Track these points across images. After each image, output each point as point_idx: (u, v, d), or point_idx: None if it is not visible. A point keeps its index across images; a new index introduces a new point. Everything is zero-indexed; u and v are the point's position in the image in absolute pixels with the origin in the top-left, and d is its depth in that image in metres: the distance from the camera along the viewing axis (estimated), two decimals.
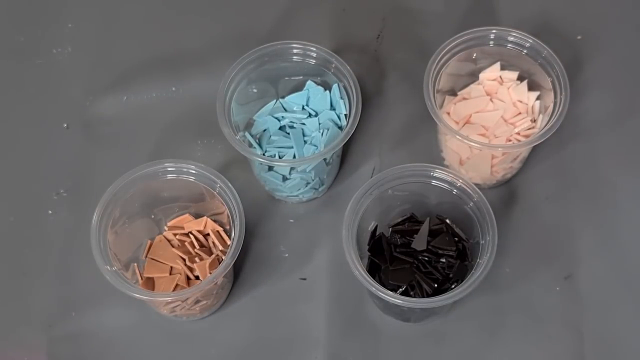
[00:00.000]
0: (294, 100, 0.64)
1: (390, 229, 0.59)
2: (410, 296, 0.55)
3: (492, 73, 0.64)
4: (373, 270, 0.57)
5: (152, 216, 0.61)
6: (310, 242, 0.62)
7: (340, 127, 0.62)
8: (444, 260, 0.56)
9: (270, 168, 0.61)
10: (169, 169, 0.58)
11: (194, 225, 0.61)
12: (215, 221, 0.61)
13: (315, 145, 0.62)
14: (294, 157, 0.62)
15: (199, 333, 0.59)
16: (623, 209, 0.62)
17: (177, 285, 0.58)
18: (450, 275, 0.56)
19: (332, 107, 0.63)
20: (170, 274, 0.59)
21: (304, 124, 0.63)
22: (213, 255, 0.59)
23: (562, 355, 0.57)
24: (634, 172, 0.63)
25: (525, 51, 0.63)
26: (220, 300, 0.60)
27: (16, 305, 0.61)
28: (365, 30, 0.70)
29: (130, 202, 0.58)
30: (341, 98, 0.63)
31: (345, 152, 0.65)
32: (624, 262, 0.60)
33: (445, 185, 0.57)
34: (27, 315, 0.61)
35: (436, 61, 0.62)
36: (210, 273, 0.57)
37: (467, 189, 0.56)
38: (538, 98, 0.63)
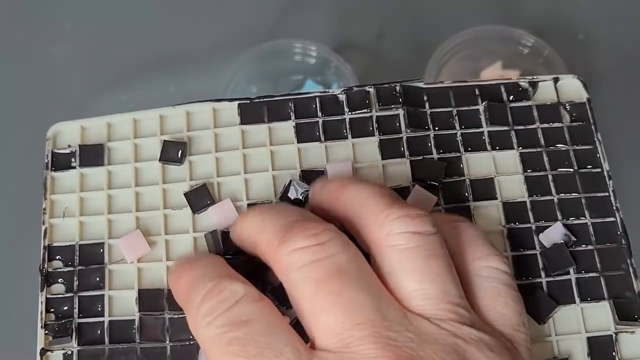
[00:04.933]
0: None
1: None
2: None
3: (493, 72, 0.64)
4: None
5: None
6: None
7: None
8: None
9: None
10: None
11: None
12: None
13: None
14: None
15: None
16: (625, 210, 0.62)
17: None
18: None
19: None
20: None
21: None
22: None
23: None
24: (636, 172, 0.63)
25: (526, 50, 0.63)
26: None
27: (15, 306, 0.61)
28: (365, 30, 0.70)
29: None
30: None
31: None
32: None
33: None
34: (26, 316, 0.60)
35: (437, 60, 0.61)
36: None
37: None
38: None
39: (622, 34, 0.68)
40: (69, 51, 0.70)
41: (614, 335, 0.33)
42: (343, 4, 0.71)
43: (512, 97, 0.38)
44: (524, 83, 0.38)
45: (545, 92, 0.38)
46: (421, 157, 0.36)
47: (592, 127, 0.38)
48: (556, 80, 0.38)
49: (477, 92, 0.38)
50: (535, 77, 0.39)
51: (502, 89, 0.38)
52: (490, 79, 0.38)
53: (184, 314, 0.32)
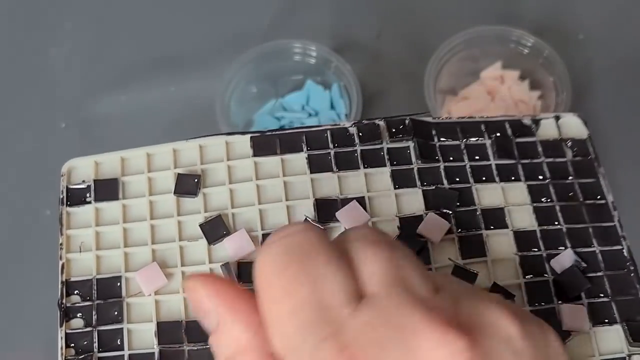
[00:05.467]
0: (293, 99, 0.64)
1: None
2: None
3: (493, 72, 0.64)
4: None
5: None
6: None
7: None
8: None
9: None
10: None
11: None
12: None
13: None
14: None
15: None
16: (625, 210, 0.62)
17: None
18: None
19: (332, 107, 0.63)
20: None
21: (304, 123, 0.63)
22: None
23: None
24: (637, 172, 0.63)
25: (526, 50, 0.63)
26: None
27: (13, 306, 0.61)
28: (365, 30, 0.70)
29: None
30: (341, 97, 0.63)
31: None
32: None
33: None
34: (25, 317, 0.60)
35: (437, 60, 0.61)
36: None
37: None
38: (540, 97, 0.63)
39: (622, 34, 0.69)
40: (69, 51, 0.70)
41: (627, 357, 0.34)
42: (343, 4, 0.71)
43: (516, 133, 0.39)
44: (526, 121, 0.40)
45: (547, 129, 0.40)
46: (434, 187, 0.37)
47: (595, 162, 0.39)
48: (557, 118, 0.40)
49: (483, 128, 0.39)
50: (536, 115, 0.40)
51: (507, 125, 0.39)
52: (495, 116, 0.40)
53: (203, 345, 0.33)
